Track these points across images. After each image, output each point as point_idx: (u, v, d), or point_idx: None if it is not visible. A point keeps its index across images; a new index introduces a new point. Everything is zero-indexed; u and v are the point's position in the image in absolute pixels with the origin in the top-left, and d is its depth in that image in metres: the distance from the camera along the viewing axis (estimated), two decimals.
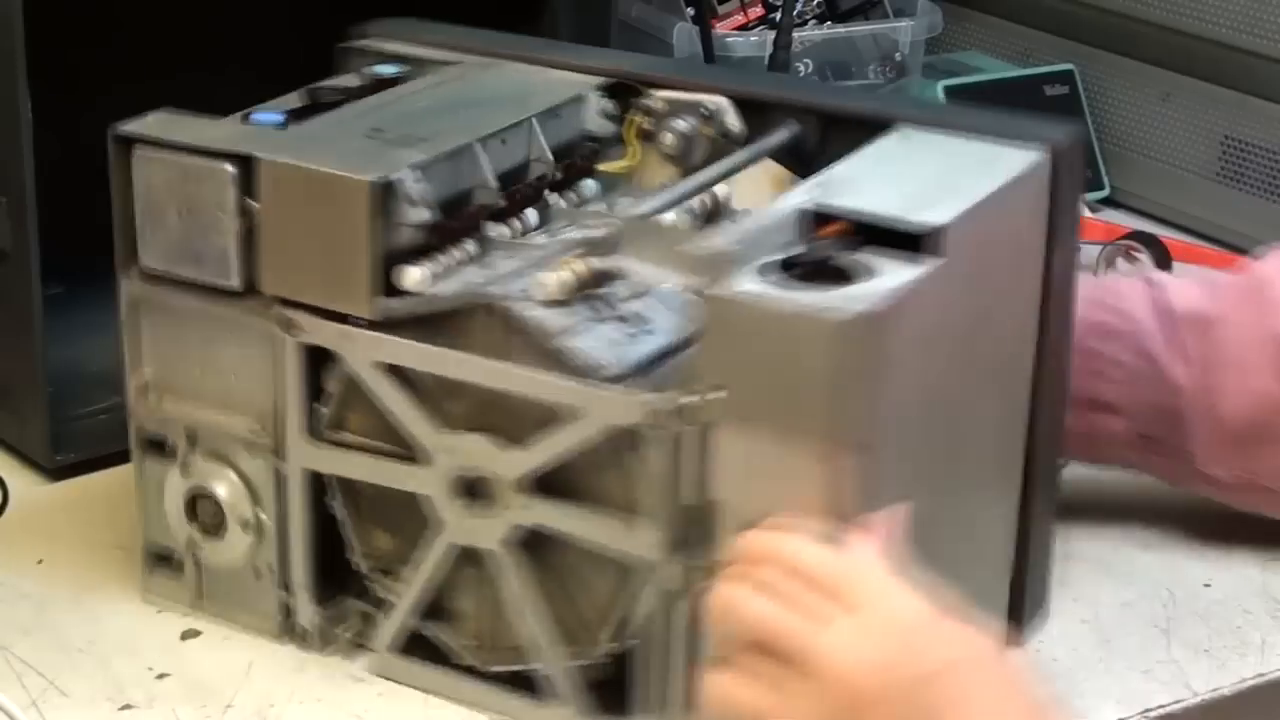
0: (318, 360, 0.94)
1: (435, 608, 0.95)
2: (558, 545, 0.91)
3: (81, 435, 1.15)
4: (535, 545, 0.91)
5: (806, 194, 0.86)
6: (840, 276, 0.81)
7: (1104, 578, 1.06)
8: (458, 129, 0.96)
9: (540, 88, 1.02)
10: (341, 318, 0.93)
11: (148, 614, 1.01)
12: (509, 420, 0.90)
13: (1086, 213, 1.55)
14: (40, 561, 1.06)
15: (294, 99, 1.02)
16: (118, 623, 1.00)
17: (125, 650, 0.98)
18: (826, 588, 0.77)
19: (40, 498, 1.13)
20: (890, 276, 0.81)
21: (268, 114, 0.99)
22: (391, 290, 0.91)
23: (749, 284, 0.80)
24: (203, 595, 1.01)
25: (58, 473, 1.14)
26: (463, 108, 1.00)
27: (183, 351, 0.99)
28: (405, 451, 0.93)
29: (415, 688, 0.95)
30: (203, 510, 0.99)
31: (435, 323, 0.91)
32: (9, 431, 1.17)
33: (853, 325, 0.77)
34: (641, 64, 1.06)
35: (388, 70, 1.06)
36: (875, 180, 0.88)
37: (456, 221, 0.94)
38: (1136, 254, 1.45)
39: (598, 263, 0.89)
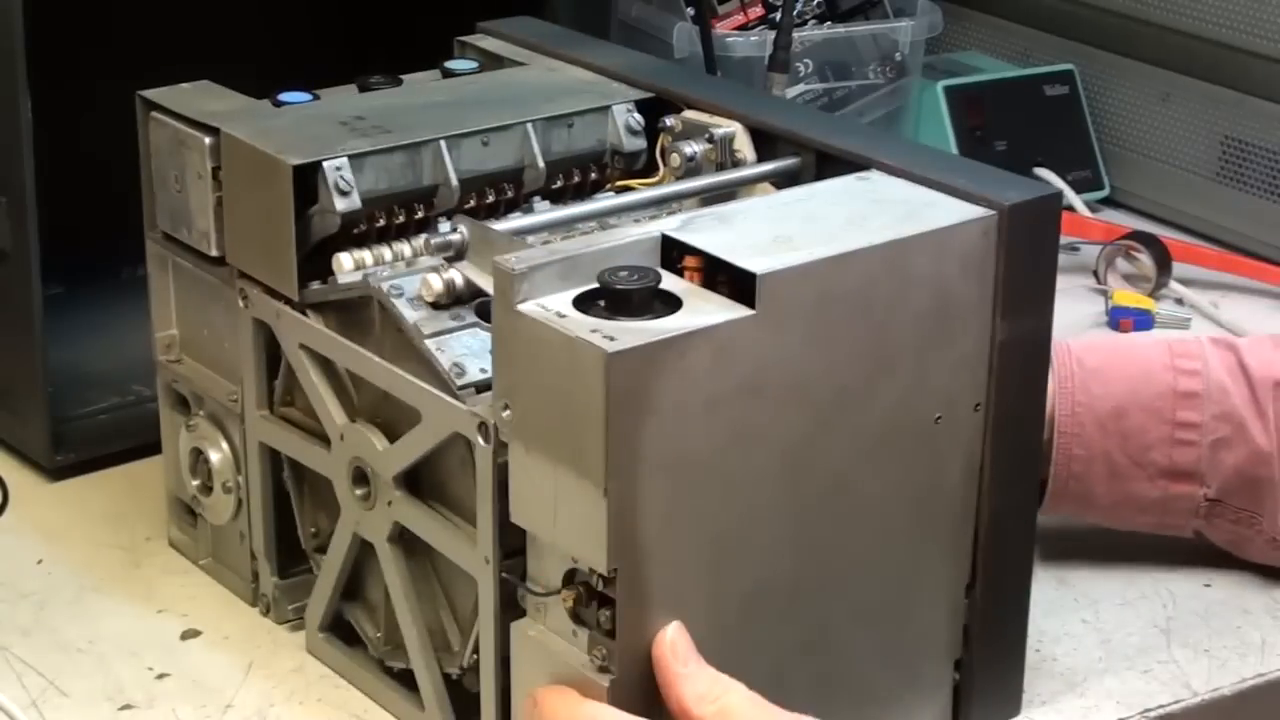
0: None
1: (359, 595, 0.96)
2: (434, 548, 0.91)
3: (81, 435, 1.15)
4: (419, 544, 0.91)
5: (679, 222, 0.83)
6: (670, 310, 0.78)
7: (1104, 578, 1.06)
8: (435, 125, 0.96)
9: (567, 95, 1.01)
10: (280, 296, 0.94)
11: (148, 614, 1.01)
12: (398, 416, 0.90)
13: (1086, 213, 1.56)
14: (40, 561, 1.06)
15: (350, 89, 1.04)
16: (118, 623, 1.00)
17: (125, 650, 0.98)
18: None
19: (40, 498, 1.13)
20: (703, 317, 0.77)
21: (297, 94, 1.00)
22: (329, 275, 0.93)
23: (535, 305, 0.77)
24: (208, 551, 1.05)
25: (58, 473, 1.14)
26: (463, 106, 0.99)
27: (191, 313, 1.03)
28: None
29: (333, 670, 0.96)
30: (200, 470, 1.02)
31: (347, 311, 0.92)
32: (9, 431, 1.17)
33: (618, 358, 0.73)
34: (682, 81, 1.03)
35: (459, 66, 1.06)
36: (760, 219, 0.84)
37: (404, 216, 0.93)
38: (1136, 254, 1.45)
39: (470, 269, 0.88)
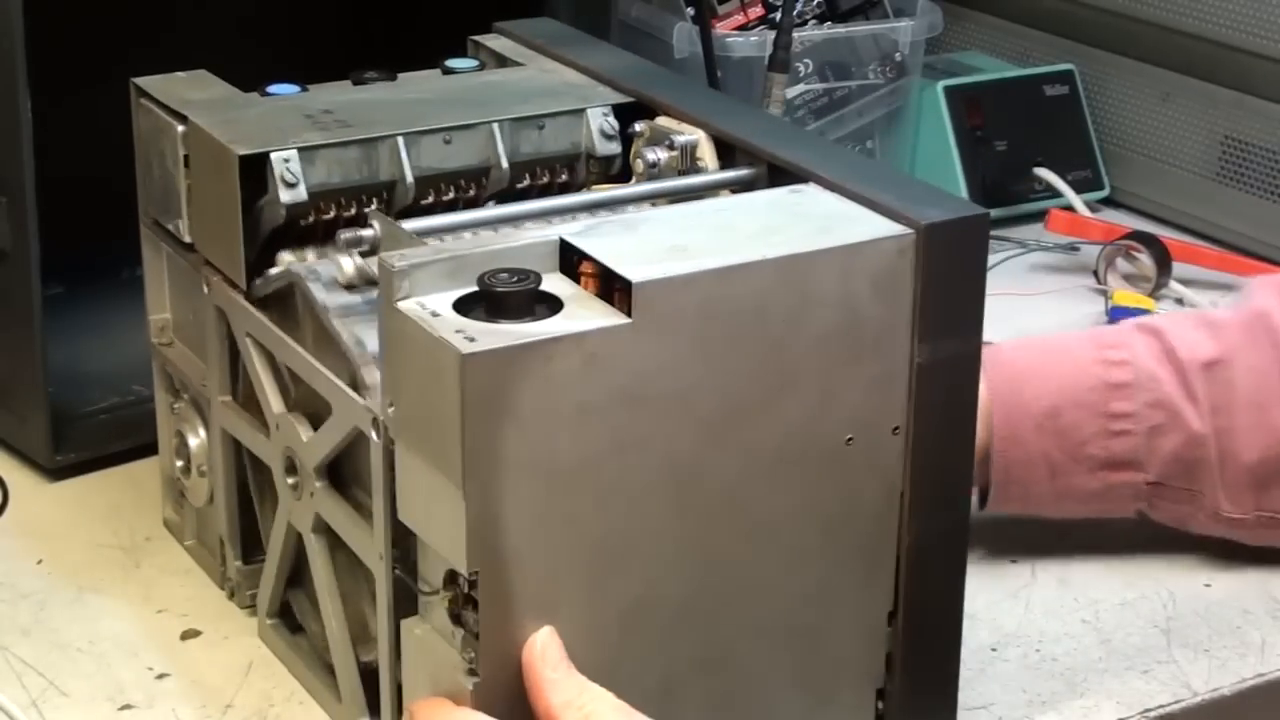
0: None
1: (303, 585, 0.96)
2: None
3: (81, 435, 1.15)
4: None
5: (583, 227, 0.82)
6: (551, 314, 0.77)
7: (1104, 578, 1.06)
8: (400, 121, 0.96)
9: (545, 96, 1.01)
10: (235, 285, 0.95)
11: (148, 614, 1.01)
12: (321, 408, 0.90)
13: (1086, 213, 1.56)
14: (40, 561, 1.06)
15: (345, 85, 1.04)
16: (118, 623, 1.00)
17: (125, 650, 0.98)
18: None
19: (40, 498, 1.13)
20: (575, 322, 0.76)
21: (285, 87, 1.00)
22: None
23: (414, 303, 0.77)
24: (194, 533, 1.07)
25: (58, 473, 1.14)
26: (437, 103, 0.99)
27: (179, 298, 1.04)
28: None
29: (277, 656, 0.97)
30: (182, 452, 1.04)
31: (282, 302, 0.93)
32: (9, 431, 1.17)
33: (474, 359, 0.73)
34: (662, 87, 1.01)
35: (459, 65, 1.06)
36: (668, 227, 0.82)
37: (355, 210, 0.93)
38: (1136, 254, 1.45)
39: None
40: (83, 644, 0.99)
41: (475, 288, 0.77)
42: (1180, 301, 1.43)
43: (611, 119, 1.00)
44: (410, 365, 0.77)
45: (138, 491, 1.12)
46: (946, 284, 0.83)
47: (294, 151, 0.92)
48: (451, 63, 1.06)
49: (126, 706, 0.94)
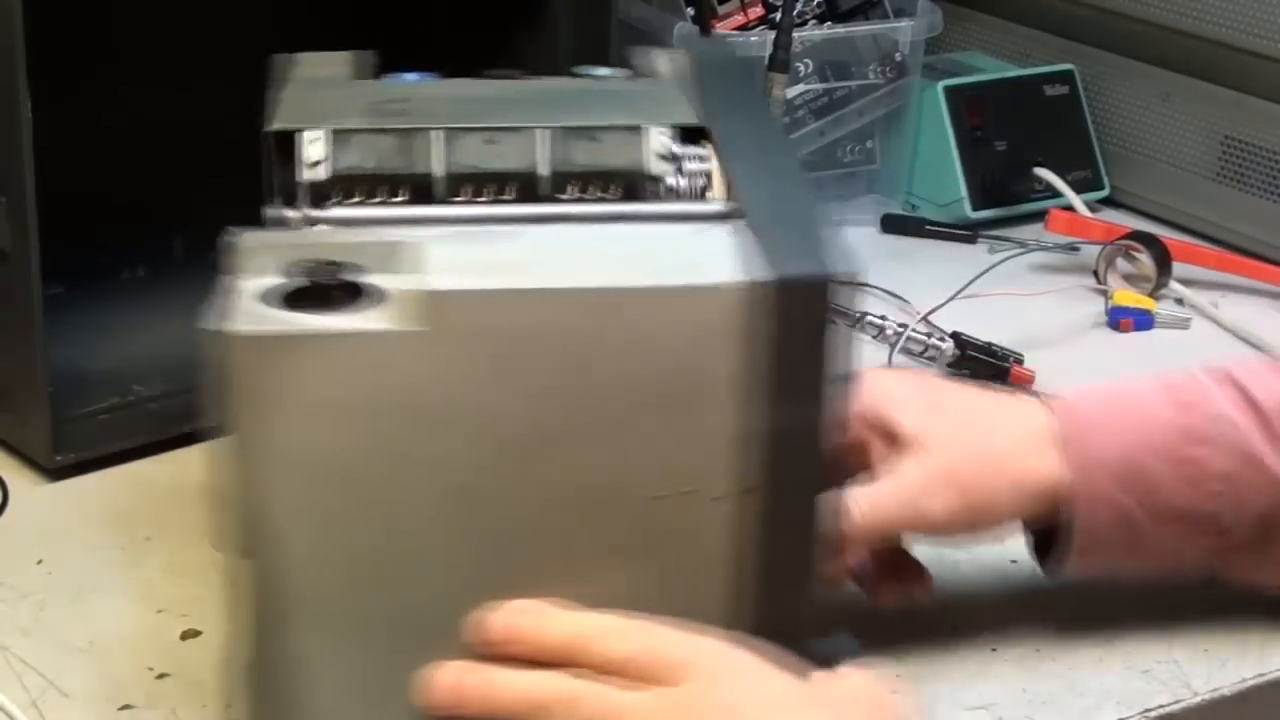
0: None
1: None
2: None
3: (81, 435, 1.15)
4: None
5: (454, 232, 0.81)
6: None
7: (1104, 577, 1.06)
8: (453, 117, 0.95)
9: (612, 109, 0.96)
10: None
11: (148, 614, 1.01)
12: None
13: (1086, 213, 1.56)
14: (40, 561, 1.06)
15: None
16: (118, 623, 1.00)
17: (125, 650, 0.98)
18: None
19: (40, 498, 1.13)
20: (359, 321, 0.74)
21: (411, 75, 1.00)
22: None
23: (242, 281, 0.77)
24: None
25: (58, 473, 1.14)
26: (504, 103, 0.96)
27: None
28: None
29: None
30: None
31: None
32: (9, 431, 1.17)
33: (238, 340, 0.72)
34: (723, 117, 0.95)
35: (589, 70, 1.03)
36: (531, 243, 0.80)
37: (384, 197, 0.91)
38: (1136, 254, 1.45)
39: None
40: (83, 644, 0.99)
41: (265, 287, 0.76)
42: (1180, 301, 1.43)
43: (668, 139, 0.98)
44: (211, 339, 0.76)
45: (138, 491, 1.12)
46: (785, 344, 0.77)
47: (324, 132, 0.91)
48: (583, 68, 1.05)
49: (126, 706, 0.94)
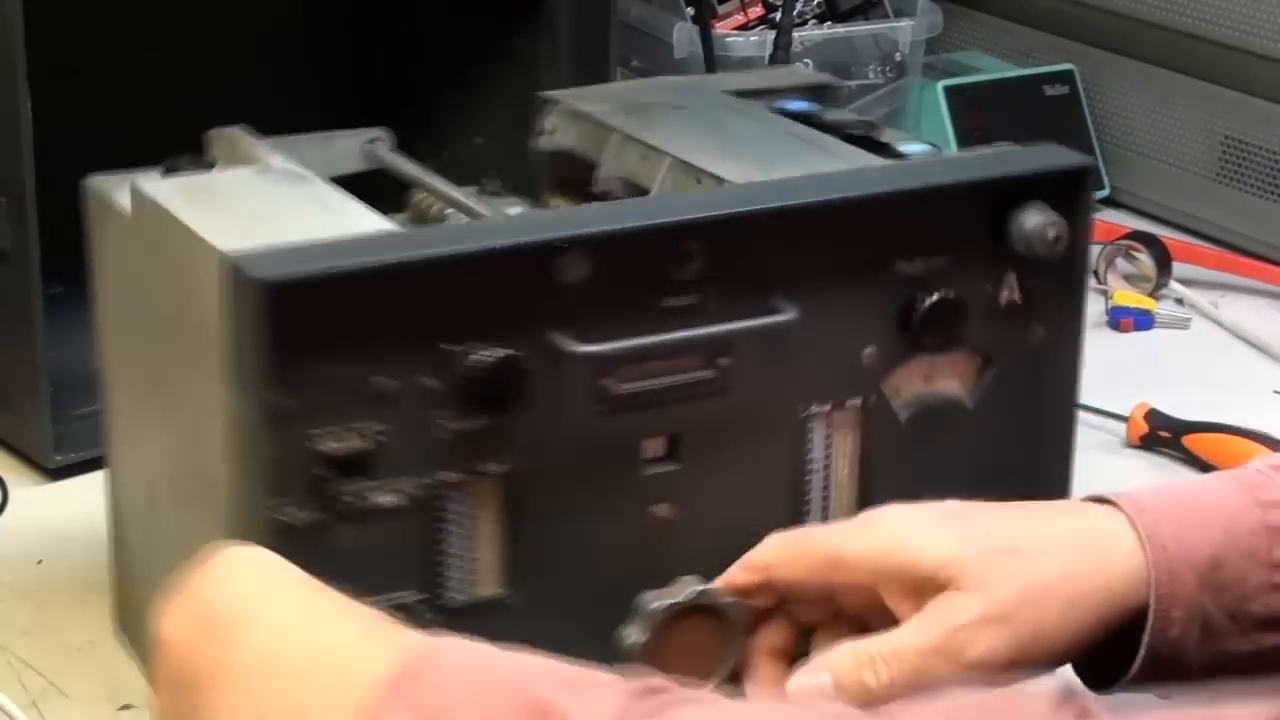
0: None
1: None
2: None
3: (81, 435, 1.15)
4: None
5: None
6: None
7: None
8: (637, 128, 0.99)
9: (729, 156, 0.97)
10: None
11: None
12: None
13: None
14: (40, 561, 1.06)
15: None
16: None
17: (125, 650, 0.98)
18: None
19: (40, 498, 1.13)
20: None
21: (795, 103, 1.03)
22: None
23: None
24: None
25: (58, 473, 1.14)
26: (695, 133, 0.99)
27: None
28: None
29: None
30: None
31: None
32: (9, 431, 1.17)
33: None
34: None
35: (794, 106, 1.03)
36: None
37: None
38: (1136, 254, 1.45)
39: None
40: (83, 644, 0.99)
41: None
42: (1180, 301, 1.43)
43: None
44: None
45: None
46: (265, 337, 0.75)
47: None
48: (785, 103, 1.04)
49: (126, 706, 0.94)
